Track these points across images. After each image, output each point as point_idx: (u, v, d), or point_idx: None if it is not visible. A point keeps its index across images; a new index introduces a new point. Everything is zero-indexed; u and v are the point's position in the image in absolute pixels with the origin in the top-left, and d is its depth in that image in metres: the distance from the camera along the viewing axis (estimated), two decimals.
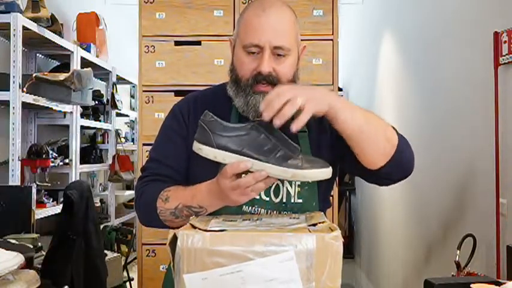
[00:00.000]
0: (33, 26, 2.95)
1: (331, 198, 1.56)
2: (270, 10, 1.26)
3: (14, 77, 2.77)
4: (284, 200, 1.27)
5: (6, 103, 2.80)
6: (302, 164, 1.11)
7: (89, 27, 3.98)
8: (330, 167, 1.14)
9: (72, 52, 3.51)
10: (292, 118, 1.10)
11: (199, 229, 1.02)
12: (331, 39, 2.67)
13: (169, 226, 1.28)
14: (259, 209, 1.27)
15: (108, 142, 4.52)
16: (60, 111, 3.44)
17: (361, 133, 1.16)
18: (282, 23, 1.27)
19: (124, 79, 4.72)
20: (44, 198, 3.15)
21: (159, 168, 1.34)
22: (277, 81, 1.26)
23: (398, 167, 1.25)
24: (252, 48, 1.26)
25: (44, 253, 2.24)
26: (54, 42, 3.22)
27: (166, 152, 1.36)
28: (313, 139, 1.33)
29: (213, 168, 1.20)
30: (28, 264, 1.82)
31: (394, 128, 1.27)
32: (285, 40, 1.26)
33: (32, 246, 1.91)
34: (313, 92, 1.12)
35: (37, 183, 3.15)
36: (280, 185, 1.27)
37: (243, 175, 1.11)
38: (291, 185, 1.28)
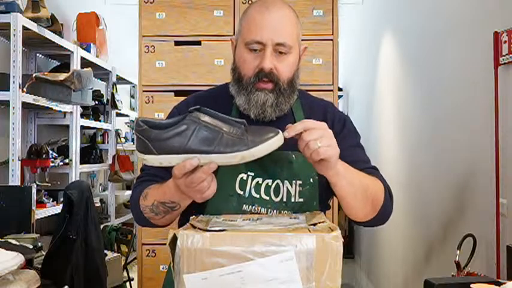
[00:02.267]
0: (33, 26, 2.95)
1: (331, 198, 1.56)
2: (272, 8, 1.27)
3: (14, 77, 2.77)
4: (284, 200, 1.28)
5: (6, 103, 2.80)
6: (248, 143, 1.07)
7: (89, 27, 3.98)
8: (280, 133, 1.10)
9: (72, 52, 3.51)
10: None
11: (199, 229, 1.02)
12: (331, 39, 2.66)
13: (157, 224, 1.31)
14: (260, 208, 1.27)
15: (108, 142, 4.52)
16: (60, 111, 3.44)
17: (354, 197, 1.20)
18: (285, 21, 1.28)
19: (124, 79, 4.72)
20: (44, 198, 3.15)
21: (153, 169, 1.35)
22: (277, 79, 1.27)
23: (374, 223, 1.32)
24: (254, 45, 1.26)
25: (44, 253, 2.24)
26: (54, 42, 3.22)
27: None
28: None
29: None
30: (28, 264, 1.82)
31: (385, 185, 1.30)
32: (287, 37, 1.26)
33: (32, 246, 1.91)
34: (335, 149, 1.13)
35: (37, 183, 3.15)
36: (281, 184, 1.27)
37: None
38: (291, 185, 1.28)
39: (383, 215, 1.30)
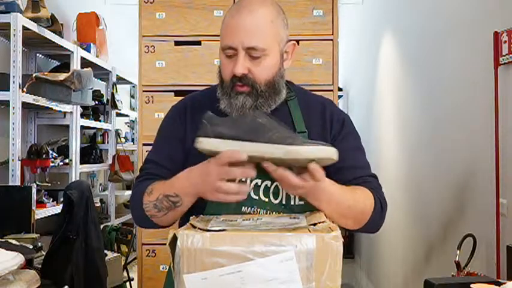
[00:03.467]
0: (33, 26, 2.95)
1: None
2: (243, 10, 1.26)
3: (14, 77, 2.77)
4: (284, 202, 1.27)
5: (6, 103, 2.80)
6: (297, 141, 1.08)
7: (89, 27, 3.98)
8: (333, 148, 1.10)
9: (72, 52, 3.51)
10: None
11: (200, 229, 1.02)
12: (331, 39, 2.66)
13: (158, 224, 1.30)
14: (259, 210, 1.26)
15: (108, 142, 4.52)
16: (60, 111, 3.44)
17: (338, 217, 1.22)
18: (257, 24, 1.25)
19: (124, 79, 4.72)
20: (44, 198, 3.15)
21: (154, 169, 1.35)
22: (253, 82, 1.26)
23: (362, 232, 1.34)
24: (228, 50, 1.27)
25: (44, 253, 2.24)
26: (54, 42, 3.22)
27: (161, 153, 1.37)
28: (313, 138, 1.33)
29: None
30: (28, 264, 1.82)
31: (378, 197, 1.31)
32: (259, 40, 1.24)
33: (32, 246, 1.91)
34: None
35: (37, 183, 3.15)
36: (280, 186, 1.27)
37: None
38: None
39: (371, 227, 1.32)
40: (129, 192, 5.12)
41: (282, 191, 1.27)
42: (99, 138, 4.54)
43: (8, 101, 2.77)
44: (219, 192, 1.12)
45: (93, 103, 3.86)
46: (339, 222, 1.23)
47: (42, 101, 3.02)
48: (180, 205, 1.23)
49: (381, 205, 1.32)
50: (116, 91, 4.42)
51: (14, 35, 2.78)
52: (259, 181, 1.26)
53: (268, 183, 1.26)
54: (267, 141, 1.09)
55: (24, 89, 2.86)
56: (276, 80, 1.30)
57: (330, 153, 1.09)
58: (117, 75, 4.49)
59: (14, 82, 2.77)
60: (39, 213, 2.92)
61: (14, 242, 1.84)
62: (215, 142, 1.11)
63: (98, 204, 4.27)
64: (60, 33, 3.27)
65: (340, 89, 5.56)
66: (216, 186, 1.11)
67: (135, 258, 3.34)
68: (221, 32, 1.31)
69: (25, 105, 2.89)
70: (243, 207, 1.25)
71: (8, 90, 2.77)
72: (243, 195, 1.14)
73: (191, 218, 1.16)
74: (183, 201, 1.22)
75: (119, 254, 3.41)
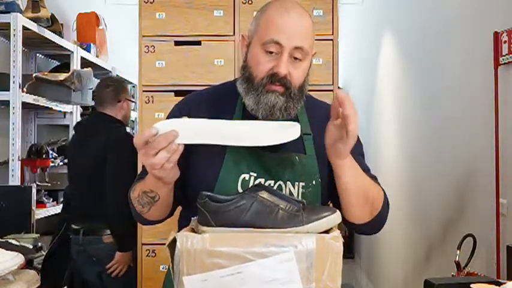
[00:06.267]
0: (33, 26, 2.95)
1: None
2: (292, 12, 1.27)
3: (14, 77, 2.77)
4: None
5: (6, 103, 2.80)
6: (303, 219, 1.07)
7: (89, 27, 3.98)
8: (337, 212, 1.10)
9: (72, 52, 3.51)
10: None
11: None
12: (331, 39, 2.66)
13: (148, 219, 1.32)
14: None
15: None
16: (60, 111, 3.44)
17: (355, 194, 1.22)
18: (304, 26, 1.27)
19: (124, 79, 4.71)
20: (44, 198, 3.14)
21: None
22: (289, 84, 1.26)
23: (367, 229, 1.33)
24: (272, 45, 1.24)
25: (44, 253, 2.24)
26: (54, 42, 3.22)
27: None
28: (318, 141, 1.33)
29: (212, 164, 1.24)
30: (28, 264, 1.82)
31: (384, 194, 1.32)
32: (305, 42, 1.26)
33: (32, 246, 1.91)
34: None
35: (37, 183, 3.15)
36: (283, 185, 1.27)
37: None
38: (293, 186, 1.27)
39: (378, 222, 1.31)
40: None
41: (284, 190, 1.27)
42: None
43: (8, 101, 2.77)
44: (153, 169, 1.11)
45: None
46: (355, 208, 1.24)
47: (42, 101, 3.02)
48: (158, 198, 1.23)
49: (386, 202, 1.32)
50: None
51: (14, 35, 2.78)
52: (262, 180, 1.26)
53: (271, 182, 1.27)
54: (273, 224, 1.07)
55: (24, 89, 2.86)
56: (304, 84, 1.31)
57: (335, 220, 1.09)
58: (117, 75, 4.48)
59: (14, 82, 2.76)
60: (39, 213, 2.92)
61: (14, 242, 1.83)
62: (222, 230, 1.07)
63: None
64: (60, 33, 3.27)
65: (340, 89, 5.56)
66: (148, 164, 1.10)
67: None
68: (261, 26, 1.28)
69: (25, 105, 2.89)
70: None
71: (8, 90, 2.77)
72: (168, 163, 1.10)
73: (192, 219, 1.16)
74: (158, 194, 1.22)
75: None
